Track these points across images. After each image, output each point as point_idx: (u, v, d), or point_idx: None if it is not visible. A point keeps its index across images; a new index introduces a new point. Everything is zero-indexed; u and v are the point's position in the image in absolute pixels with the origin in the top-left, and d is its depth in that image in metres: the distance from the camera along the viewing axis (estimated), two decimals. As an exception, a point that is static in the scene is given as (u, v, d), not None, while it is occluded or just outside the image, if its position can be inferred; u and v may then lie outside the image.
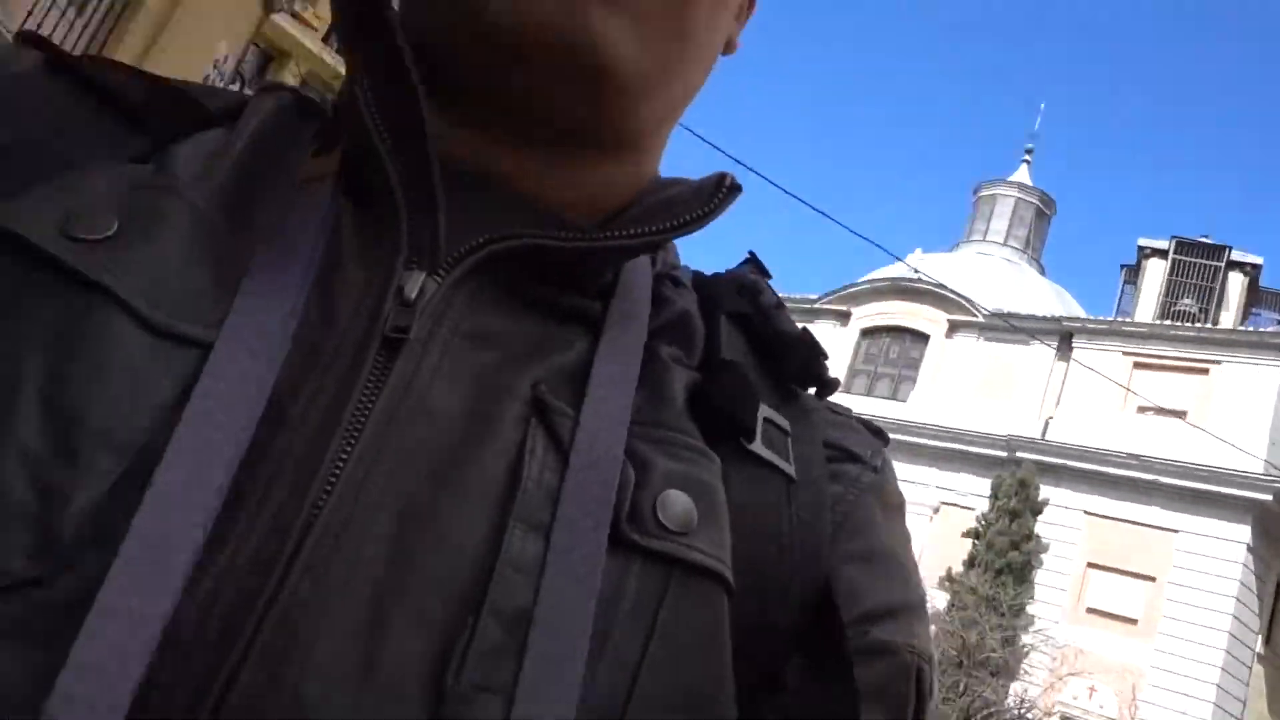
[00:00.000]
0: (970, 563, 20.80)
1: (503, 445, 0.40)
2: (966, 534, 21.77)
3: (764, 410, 0.47)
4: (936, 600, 18.33)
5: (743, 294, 0.54)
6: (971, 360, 25.61)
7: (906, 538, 0.54)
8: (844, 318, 28.72)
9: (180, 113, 0.48)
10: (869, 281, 28.69)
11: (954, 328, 26.11)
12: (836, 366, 27.21)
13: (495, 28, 0.43)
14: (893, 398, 26.63)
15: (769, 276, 0.56)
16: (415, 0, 0.48)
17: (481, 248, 0.43)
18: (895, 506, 0.54)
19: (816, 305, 29.33)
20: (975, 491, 23.03)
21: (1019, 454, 22.68)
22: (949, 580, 20.05)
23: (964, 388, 25.28)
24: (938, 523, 23.49)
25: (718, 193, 0.47)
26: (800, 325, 0.54)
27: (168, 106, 0.48)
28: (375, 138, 0.44)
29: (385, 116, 0.44)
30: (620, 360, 0.44)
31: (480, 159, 0.47)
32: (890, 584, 0.50)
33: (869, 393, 27.13)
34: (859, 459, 0.52)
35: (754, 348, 0.52)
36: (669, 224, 0.46)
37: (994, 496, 21.66)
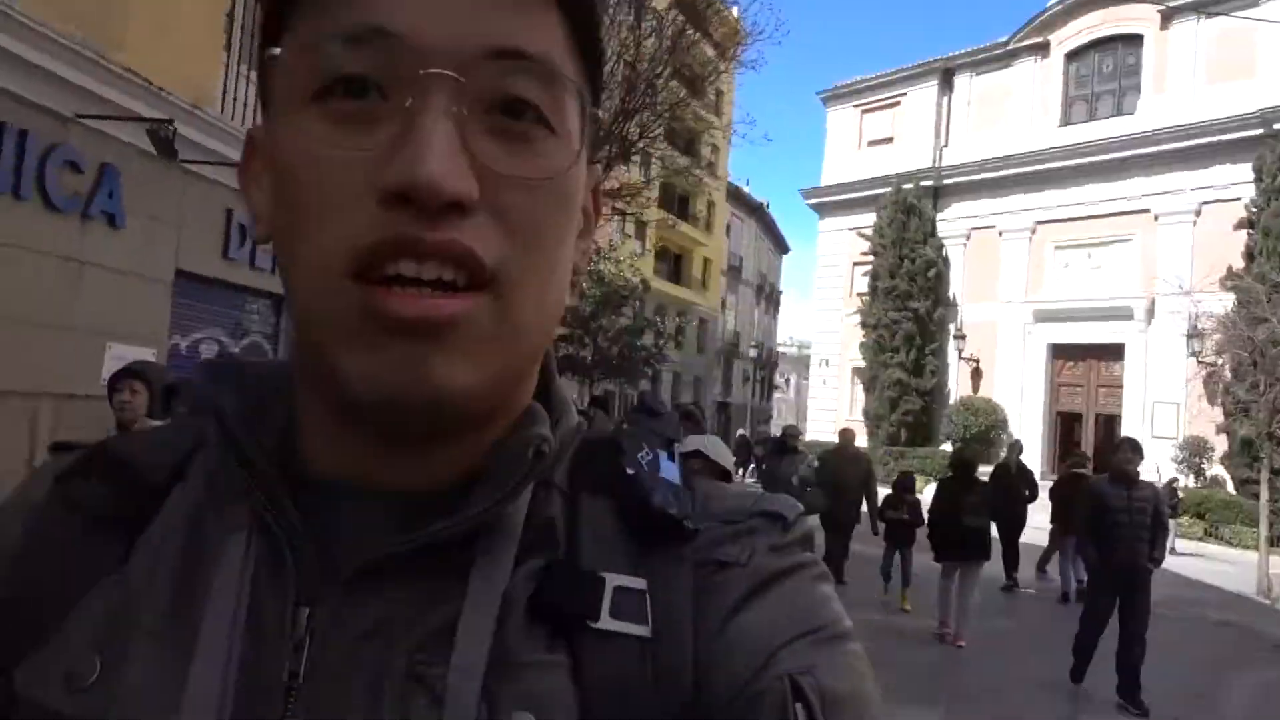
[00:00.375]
0: (1249, 255, 20.30)
1: (391, 715, 0.50)
2: (1239, 225, 21.18)
3: (617, 580, 0.54)
4: (1225, 303, 18.11)
5: (610, 463, 0.59)
6: (1196, 46, 24.03)
7: (789, 596, 0.56)
8: (1043, 50, 27.55)
9: (136, 501, 0.59)
10: (1060, 1, 27.10)
11: (1167, 18, 24.44)
12: (1047, 103, 26.38)
13: (348, 388, 0.50)
14: (1118, 113, 25.59)
15: (659, 414, 0.87)
16: (298, 333, 0.54)
17: (352, 572, 0.53)
18: (769, 579, 0.56)
19: (1010, 47, 28.21)
20: (1235, 180, 22.12)
21: (1277, 125, 21.40)
22: (1230, 278, 19.65)
23: (1194, 78, 23.89)
24: (1202, 225, 22.91)
25: (530, 464, 0.54)
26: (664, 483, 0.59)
27: (127, 501, 0.59)
28: (256, 502, 0.54)
29: (252, 474, 0.55)
30: (481, 609, 0.51)
31: (358, 465, 0.55)
32: (754, 637, 0.53)
33: (1091, 117, 26.22)
34: (729, 564, 0.56)
35: (618, 514, 0.57)
36: (492, 500, 0.53)
37: (1259, 179, 20.83)
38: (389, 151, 0.48)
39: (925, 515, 9.13)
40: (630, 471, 0.58)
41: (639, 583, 0.54)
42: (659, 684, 0.52)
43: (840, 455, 10.59)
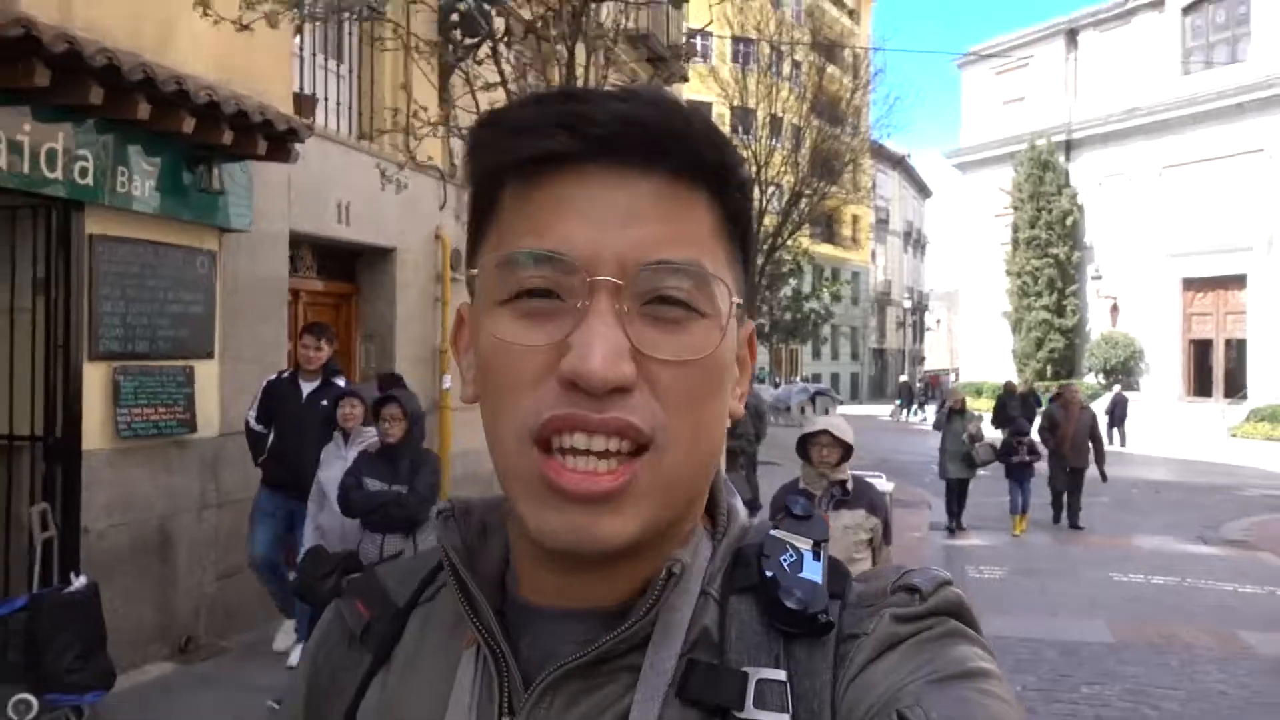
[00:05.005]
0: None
1: None
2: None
3: (760, 673, 0.61)
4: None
5: (754, 568, 0.66)
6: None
7: (911, 651, 0.61)
8: (1159, 5, 29.98)
9: (384, 621, 0.74)
10: (1176, -44, 29.46)
11: (1275, -30, 26.66)
12: (1166, 55, 28.88)
13: (531, 536, 0.62)
14: (1233, 61, 28.05)
15: (807, 517, 0.72)
16: (501, 483, 0.65)
17: (539, 685, 0.63)
18: (894, 642, 0.61)
19: (1128, 5, 30.73)
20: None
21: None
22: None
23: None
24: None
25: (663, 584, 0.62)
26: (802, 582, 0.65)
27: (378, 625, 0.74)
28: (473, 626, 0.66)
29: (470, 602, 0.66)
30: (647, 702, 0.61)
31: (553, 588, 0.66)
32: (873, 690, 0.59)
33: (1208, 65, 28.64)
34: (859, 636, 0.62)
35: (761, 610, 0.64)
36: (638, 616, 0.62)
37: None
38: (566, 342, 0.58)
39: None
40: (770, 574, 0.65)
41: (780, 674, 0.61)
42: None
43: (1067, 407, 12.17)
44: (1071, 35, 33.05)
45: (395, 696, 0.71)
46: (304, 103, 7.17)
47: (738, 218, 0.66)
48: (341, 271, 8.46)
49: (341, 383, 6.06)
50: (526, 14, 6.76)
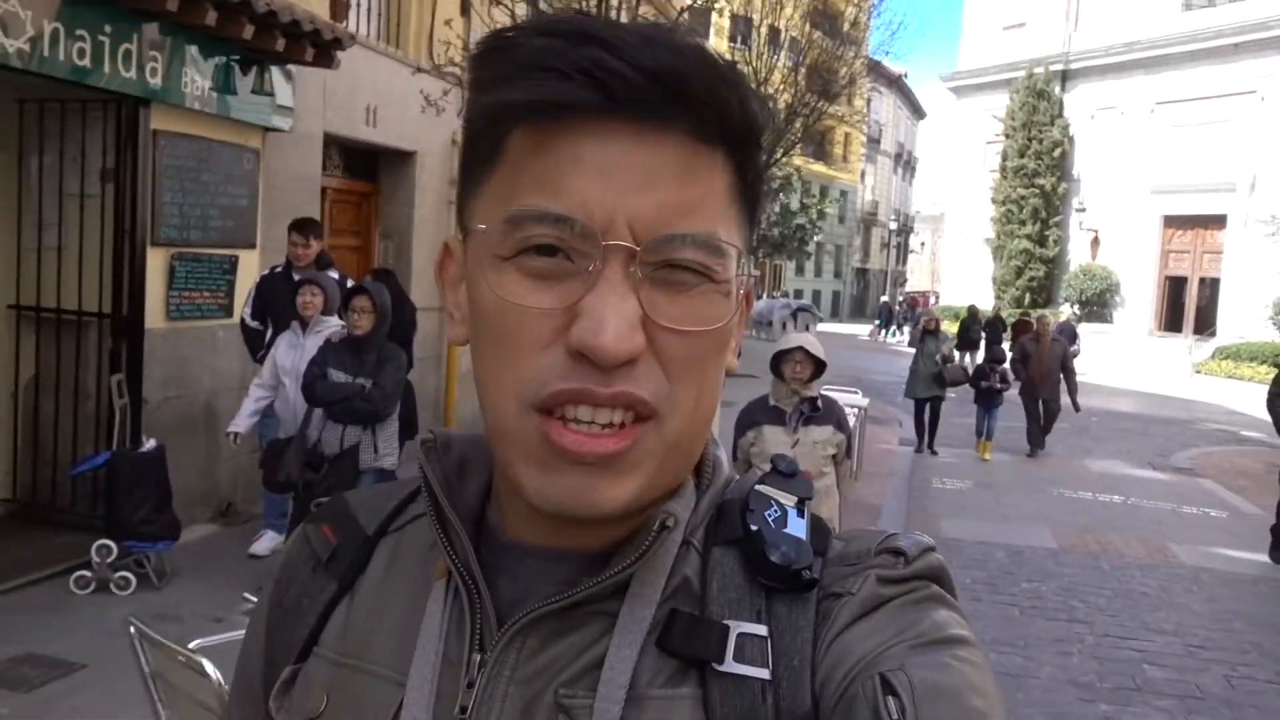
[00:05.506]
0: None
1: None
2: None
3: (741, 627, 0.61)
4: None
5: (738, 521, 0.66)
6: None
7: (893, 613, 0.61)
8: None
9: (352, 548, 0.74)
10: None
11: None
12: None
13: (528, 499, 0.61)
14: (1234, 0, 28.01)
15: (792, 474, 0.70)
16: (491, 442, 0.64)
17: (514, 625, 0.63)
18: (877, 604, 0.62)
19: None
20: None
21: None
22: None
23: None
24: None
25: (655, 535, 0.61)
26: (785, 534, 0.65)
27: (344, 551, 0.74)
28: (449, 559, 0.66)
29: (447, 535, 0.66)
30: (624, 648, 0.60)
31: (537, 533, 0.66)
32: (855, 651, 0.59)
33: (1210, 3, 28.65)
34: (842, 595, 0.62)
35: (744, 564, 0.64)
36: (623, 565, 0.61)
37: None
38: (575, 308, 0.57)
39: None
40: (754, 528, 0.65)
41: (761, 629, 0.61)
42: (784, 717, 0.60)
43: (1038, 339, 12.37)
44: (1079, -39, 32.85)
45: (359, 624, 0.70)
46: (337, 6, 7.52)
47: (753, 176, 0.64)
48: (364, 171, 8.90)
49: (334, 274, 6.10)
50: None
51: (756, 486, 0.68)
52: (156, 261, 5.96)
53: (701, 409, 0.62)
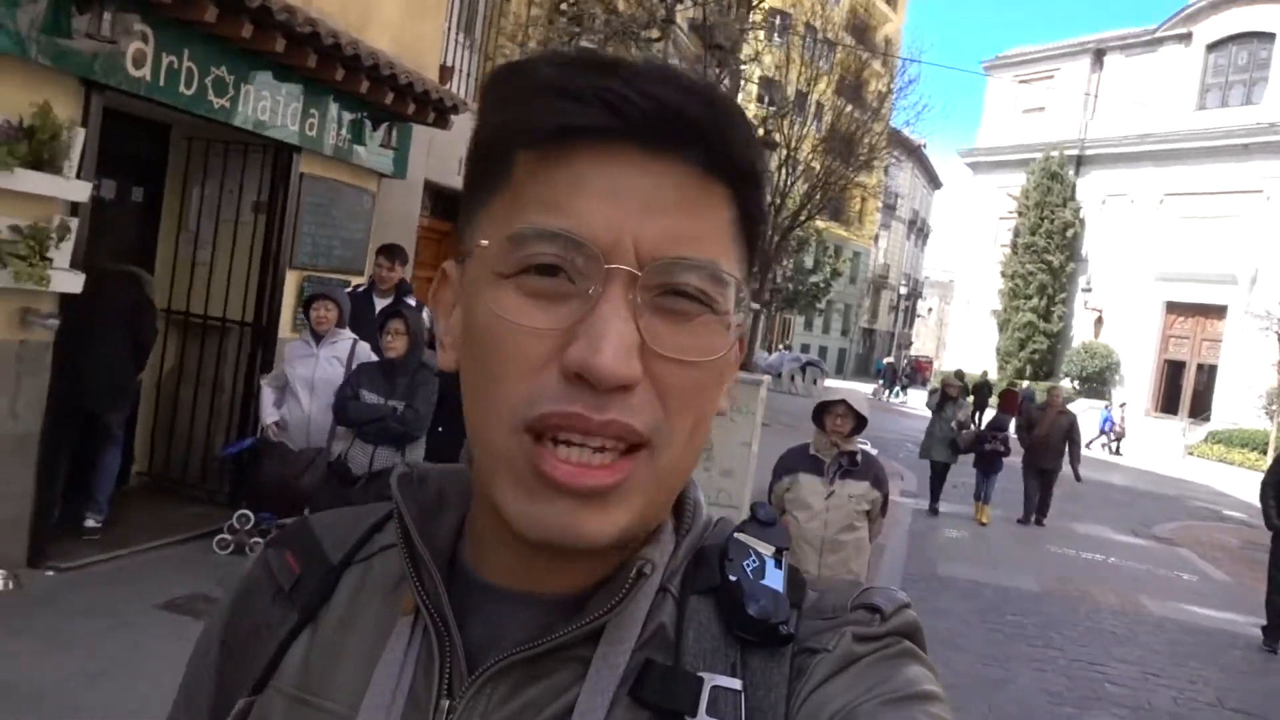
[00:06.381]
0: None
1: None
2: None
3: (715, 680, 0.59)
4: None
5: (715, 570, 0.64)
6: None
7: (866, 670, 0.59)
8: (1186, 39, 31.41)
9: (315, 577, 0.70)
10: (1209, -4, 30.82)
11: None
12: (1186, 88, 30.34)
13: (512, 526, 0.57)
14: (1247, 103, 29.52)
15: (770, 523, 0.68)
16: (476, 463, 0.62)
17: (485, 672, 0.60)
18: (851, 661, 0.60)
19: (1157, 34, 32.08)
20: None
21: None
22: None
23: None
24: (1303, 211, 26.94)
25: (632, 582, 0.60)
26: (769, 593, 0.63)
27: (307, 581, 0.70)
28: (419, 599, 0.62)
29: (417, 572, 0.63)
30: (595, 697, 0.58)
31: (511, 573, 0.63)
32: (828, 708, 0.58)
33: (1224, 104, 30.12)
34: (818, 651, 0.61)
35: (721, 615, 0.63)
36: (598, 612, 0.59)
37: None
38: (573, 329, 0.54)
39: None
40: (732, 579, 0.63)
41: (735, 683, 0.59)
42: None
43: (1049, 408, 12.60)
44: (1098, 55, 34.40)
45: (320, 658, 0.66)
46: (443, 72, 8.69)
47: (753, 217, 0.62)
48: (446, 211, 10.03)
49: (411, 302, 6.61)
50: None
51: (735, 535, 0.67)
52: (291, 282, 7.05)
53: (695, 442, 0.61)
